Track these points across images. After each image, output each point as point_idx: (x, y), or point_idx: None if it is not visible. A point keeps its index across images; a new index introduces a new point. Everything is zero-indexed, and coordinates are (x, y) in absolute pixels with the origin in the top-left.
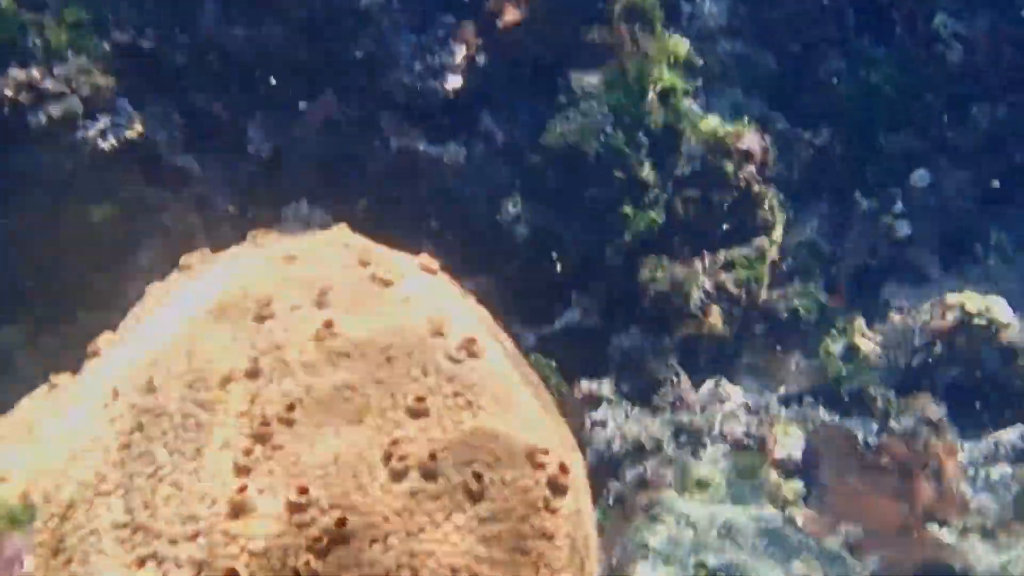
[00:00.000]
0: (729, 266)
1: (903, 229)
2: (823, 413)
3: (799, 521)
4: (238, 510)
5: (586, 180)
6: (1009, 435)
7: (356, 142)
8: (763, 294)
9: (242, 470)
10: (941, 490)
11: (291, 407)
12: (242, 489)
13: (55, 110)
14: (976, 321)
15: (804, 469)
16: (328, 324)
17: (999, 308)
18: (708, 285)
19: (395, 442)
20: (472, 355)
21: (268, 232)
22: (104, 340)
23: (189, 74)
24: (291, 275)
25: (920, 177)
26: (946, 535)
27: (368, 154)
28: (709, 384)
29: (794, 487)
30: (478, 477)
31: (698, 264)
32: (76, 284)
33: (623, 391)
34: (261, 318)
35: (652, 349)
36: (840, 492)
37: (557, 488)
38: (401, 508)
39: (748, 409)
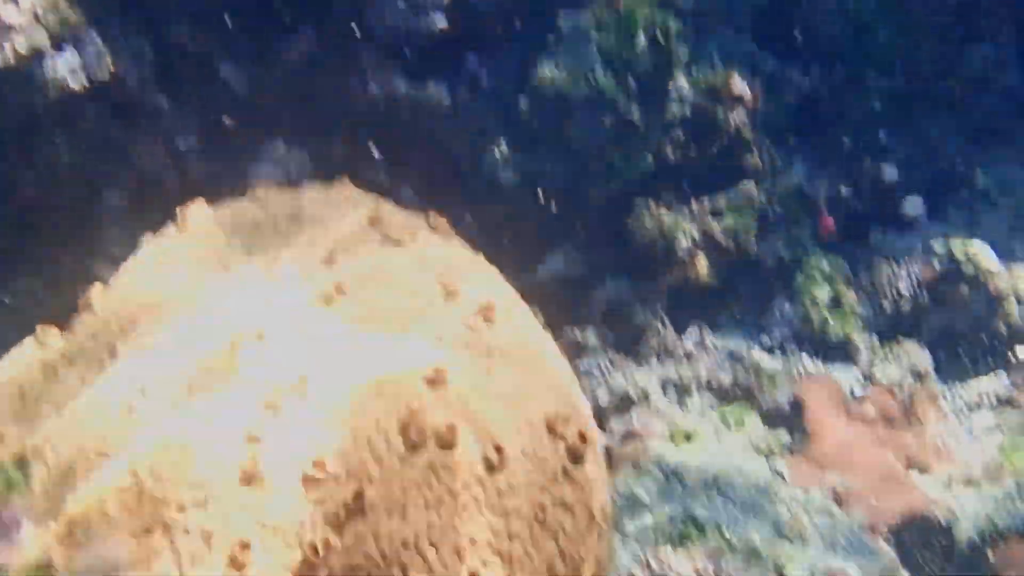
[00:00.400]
0: (717, 213)
1: (891, 174)
2: (808, 362)
3: (785, 472)
4: (250, 479)
5: (574, 124)
6: (992, 384)
7: (335, 81)
8: (751, 242)
9: (253, 439)
10: (925, 440)
11: (303, 376)
12: (254, 460)
13: (21, 45)
14: (964, 269)
15: (789, 418)
16: (339, 288)
17: (986, 255)
18: (696, 233)
19: (412, 412)
20: (489, 321)
21: (269, 187)
22: (96, 294)
23: (162, 8)
24: (297, 232)
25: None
26: (930, 485)
27: (348, 94)
28: (694, 333)
29: (779, 437)
30: (498, 448)
31: (686, 211)
32: (44, 226)
33: (608, 340)
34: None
35: (638, 297)
36: (824, 442)
37: (577, 457)
38: (420, 480)
39: (733, 357)
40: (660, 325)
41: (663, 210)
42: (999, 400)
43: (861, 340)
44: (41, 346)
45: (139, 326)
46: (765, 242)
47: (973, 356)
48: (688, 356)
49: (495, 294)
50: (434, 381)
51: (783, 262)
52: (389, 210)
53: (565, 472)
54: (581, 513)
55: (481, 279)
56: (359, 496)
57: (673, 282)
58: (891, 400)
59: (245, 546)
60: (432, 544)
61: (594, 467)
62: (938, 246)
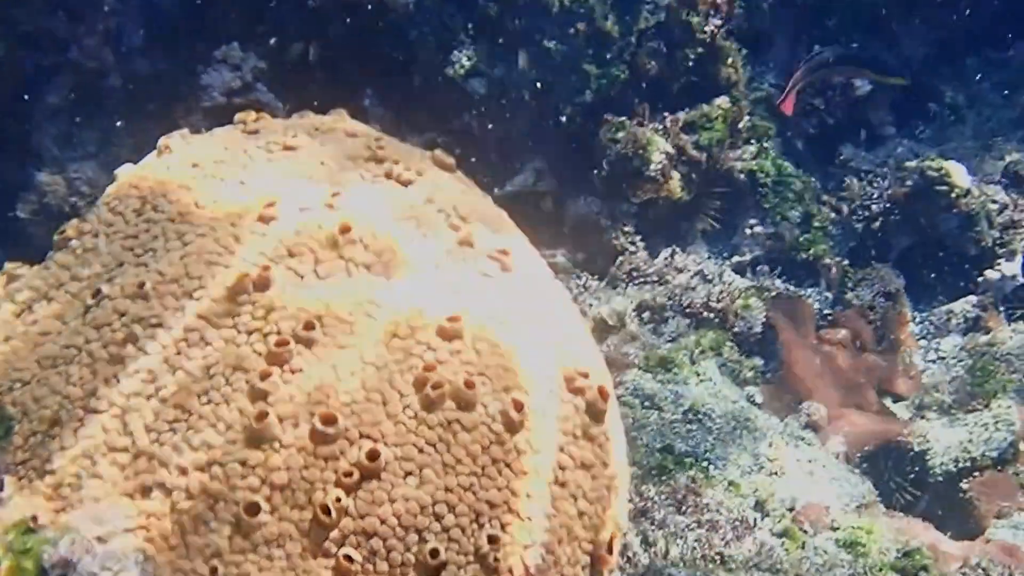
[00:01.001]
0: (690, 127)
1: (863, 86)
2: (779, 283)
3: (759, 399)
4: (257, 438)
5: (546, 33)
6: (962, 305)
7: None
8: (723, 156)
9: (259, 394)
10: (896, 365)
11: (310, 325)
12: (261, 416)
13: None
14: (935, 187)
15: (763, 343)
16: (344, 229)
17: (959, 173)
18: (670, 147)
19: (428, 367)
20: (505, 268)
21: (259, 116)
22: (73, 228)
23: None
24: (294, 170)
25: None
26: (903, 411)
27: None
28: (665, 253)
29: (754, 363)
30: (518, 406)
31: (660, 125)
32: None
33: (578, 260)
34: (265, 219)
35: (609, 215)
36: (797, 368)
37: (596, 414)
38: (436, 439)
39: (704, 278)
40: (631, 244)
41: (637, 124)
42: (967, 322)
43: (832, 261)
44: (9, 279)
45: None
46: (737, 157)
47: (943, 278)
48: (661, 278)
49: (508, 239)
50: (449, 333)
51: (754, 178)
52: (393, 145)
53: (585, 430)
54: (600, 473)
55: (493, 223)
56: (374, 456)
57: (645, 199)
58: (863, 325)
59: (253, 509)
60: (450, 508)
61: (612, 424)
62: (910, 163)
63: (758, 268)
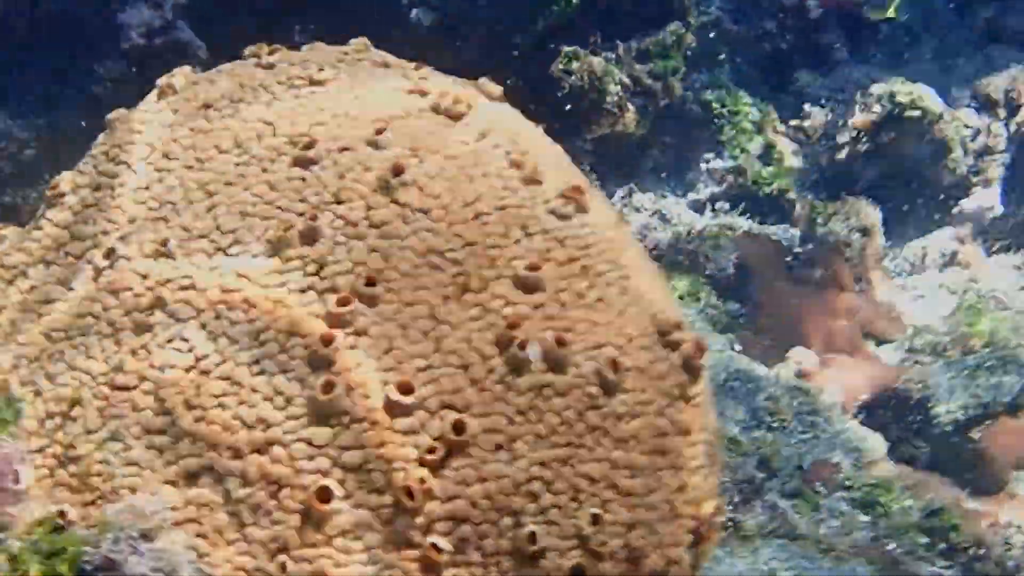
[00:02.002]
0: (643, 55)
1: (816, 7)
2: (742, 220)
3: (738, 347)
4: (324, 413)
5: None
6: (938, 240)
7: None
8: (678, 87)
9: (322, 362)
10: (876, 305)
11: (370, 280)
12: (328, 387)
13: None
14: (908, 113)
15: (737, 287)
16: (397, 170)
17: (930, 98)
18: (625, 79)
19: (513, 323)
20: (581, 208)
21: (273, 49)
22: (67, 182)
23: None
24: (328, 107)
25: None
26: (891, 355)
27: None
28: (622, 192)
29: (729, 309)
30: (615, 365)
31: (611, 54)
32: None
33: None
34: (304, 162)
35: (565, 151)
36: (776, 312)
37: (692, 371)
38: (527, 407)
39: (663, 218)
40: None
41: (591, 53)
42: (943, 258)
43: (798, 196)
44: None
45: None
46: (690, 88)
47: (915, 210)
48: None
49: (574, 175)
50: (529, 284)
51: (709, 109)
52: (434, 75)
53: (682, 391)
54: (698, 439)
55: (555, 156)
56: (460, 428)
57: (600, 134)
58: (839, 261)
59: (325, 494)
60: (547, 486)
61: (707, 382)
62: (876, 88)
63: (717, 205)
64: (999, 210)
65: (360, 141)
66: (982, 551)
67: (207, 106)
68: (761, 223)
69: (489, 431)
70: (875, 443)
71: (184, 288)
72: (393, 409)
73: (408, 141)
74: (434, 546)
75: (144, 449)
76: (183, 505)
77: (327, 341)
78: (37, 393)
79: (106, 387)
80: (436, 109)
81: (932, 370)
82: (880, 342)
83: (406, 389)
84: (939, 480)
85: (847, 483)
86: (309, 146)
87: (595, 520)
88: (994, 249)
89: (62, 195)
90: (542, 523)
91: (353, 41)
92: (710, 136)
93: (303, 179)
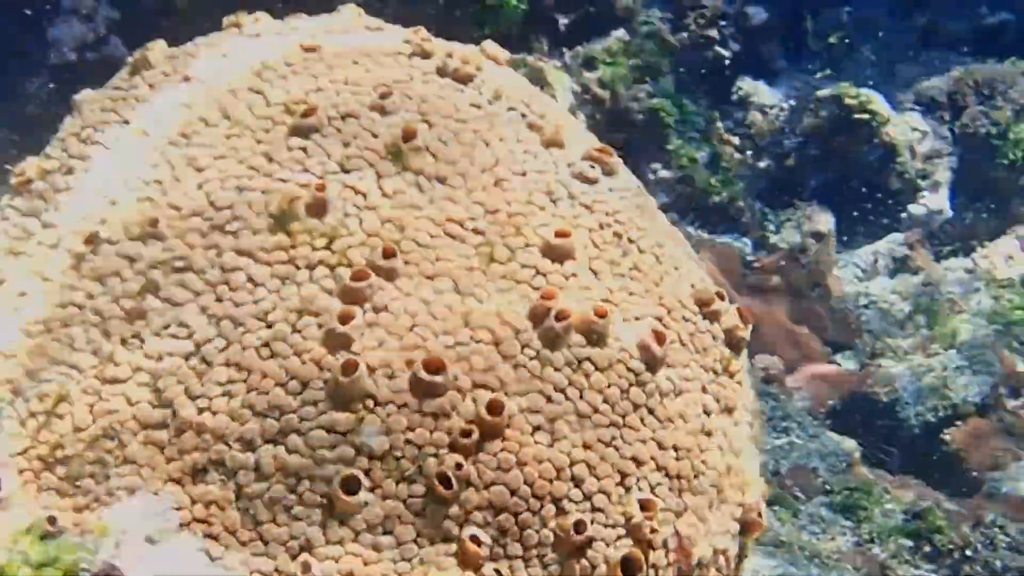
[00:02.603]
0: (590, 63)
1: (758, 15)
2: (693, 230)
3: None
4: (345, 396)
5: None
6: (888, 244)
7: None
8: (625, 94)
9: (340, 341)
10: (832, 311)
11: (389, 252)
12: (350, 367)
13: None
14: (856, 116)
15: None
16: (408, 134)
17: (878, 101)
18: (575, 85)
19: (547, 295)
20: (608, 171)
21: (259, 18)
22: (34, 168)
23: None
24: (325, 73)
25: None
26: (851, 361)
27: None
28: None
29: None
30: (658, 337)
31: (558, 61)
32: None
33: None
34: (303, 131)
35: None
36: None
37: (735, 345)
38: (565, 383)
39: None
40: None
41: (541, 61)
42: (896, 263)
43: (747, 204)
44: None
45: None
46: (634, 96)
47: (865, 215)
48: None
49: (594, 138)
50: (559, 252)
51: (656, 118)
52: (434, 39)
53: (725, 365)
54: (741, 418)
55: (570, 121)
56: (497, 408)
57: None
58: (795, 268)
59: (351, 486)
60: (591, 469)
61: (745, 358)
62: (823, 93)
63: (667, 216)
64: (948, 213)
65: (364, 107)
66: (968, 553)
67: (187, 79)
68: (711, 233)
69: (527, 411)
70: (849, 447)
71: (179, 270)
72: (422, 390)
73: (416, 105)
74: (473, 538)
75: (142, 445)
76: (190, 504)
77: (345, 319)
78: (16, 391)
79: (96, 380)
80: (442, 71)
81: (898, 374)
82: (838, 348)
83: (435, 368)
84: (918, 483)
85: (827, 488)
86: (308, 113)
87: (644, 506)
88: (944, 252)
89: (28, 182)
90: (588, 510)
91: (343, 7)
92: (657, 145)
93: (303, 149)
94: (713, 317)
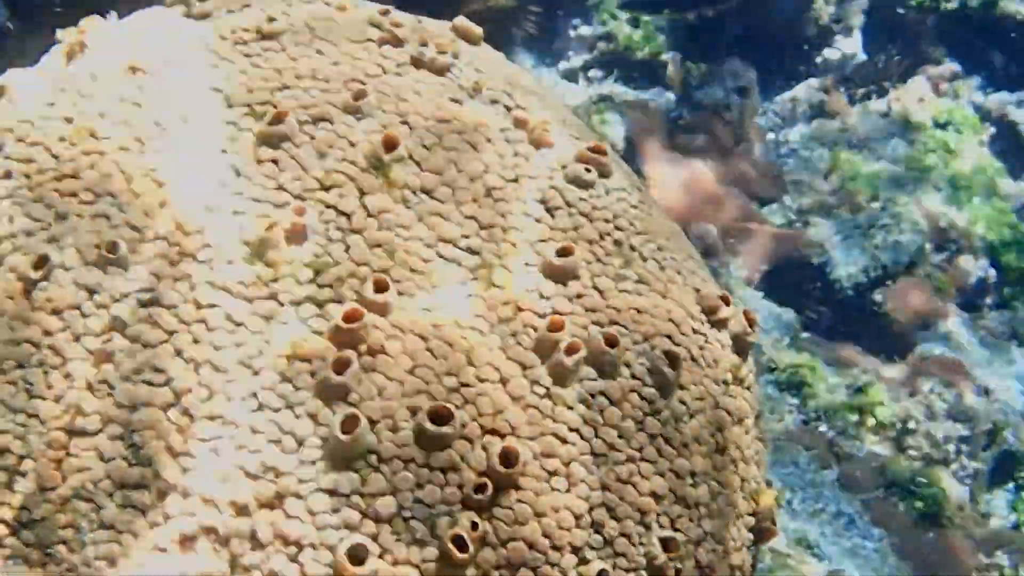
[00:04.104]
0: None
1: None
2: (619, 87)
3: None
4: (346, 455)
5: None
6: (804, 90)
7: None
8: None
9: (336, 392)
10: (758, 166)
11: (382, 285)
12: (351, 423)
13: None
14: None
15: (629, 161)
16: (389, 143)
17: None
18: None
19: (555, 325)
20: (604, 173)
21: None
22: None
23: None
24: (288, 67)
25: None
26: (778, 216)
27: None
28: None
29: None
30: (673, 360)
31: None
32: None
33: None
34: (272, 140)
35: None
36: (668, 186)
37: (743, 350)
38: (579, 422)
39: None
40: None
41: None
42: (813, 109)
43: (670, 58)
44: None
45: None
46: None
47: (782, 63)
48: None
49: (582, 128)
50: (562, 272)
51: None
52: (407, 19)
53: (735, 373)
54: (751, 426)
55: (557, 109)
56: (508, 458)
57: (474, 9)
58: (719, 124)
59: (358, 556)
60: (610, 512)
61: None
62: None
63: (590, 73)
64: (861, 56)
65: (337, 110)
66: (910, 425)
67: (134, 69)
68: (636, 89)
69: (541, 456)
70: (789, 319)
71: (146, 304)
72: (428, 442)
73: (393, 105)
74: None
75: (119, 509)
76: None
77: (341, 367)
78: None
79: (61, 433)
80: (418, 62)
81: (826, 232)
82: (765, 202)
83: (442, 416)
84: (856, 349)
85: (771, 366)
86: (278, 118)
87: (666, 545)
88: (858, 96)
89: None
90: (610, 556)
91: None
92: (576, 1)
93: (275, 161)
94: (720, 325)
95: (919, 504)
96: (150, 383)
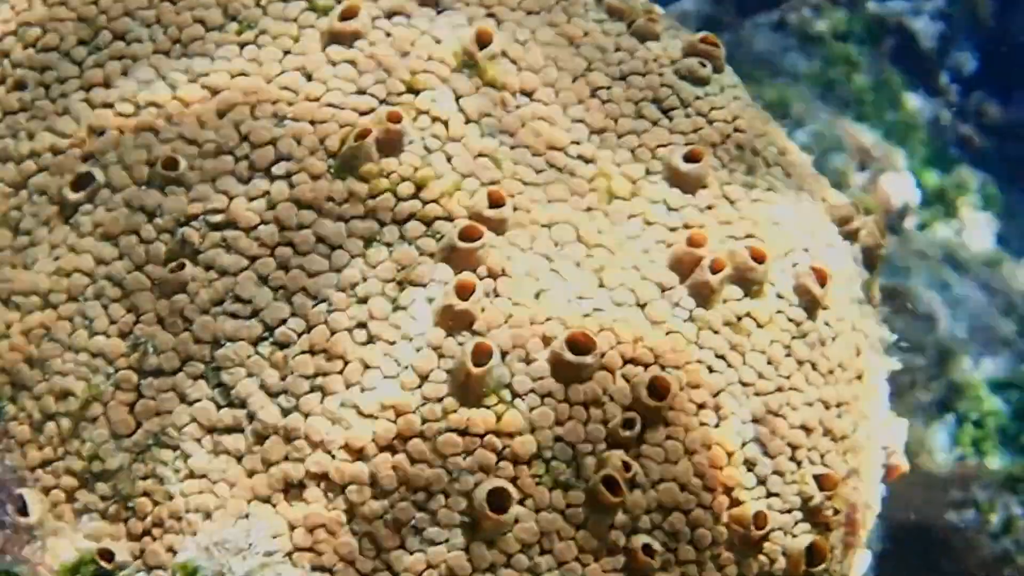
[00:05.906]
0: None
1: None
2: None
3: None
4: (475, 388)
5: None
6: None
7: None
8: None
9: (460, 319)
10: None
11: (496, 198)
12: (481, 352)
13: None
14: None
15: None
16: (482, 39)
17: None
18: None
19: (695, 240)
20: (717, 67)
21: None
22: None
23: None
24: None
25: None
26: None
27: None
28: None
29: None
30: (821, 276)
31: None
32: None
33: None
34: (344, 37)
35: None
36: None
37: (872, 264)
38: (725, 348)
39: None
40: None
41: None
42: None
43: None
44: None
45: None
46: None
47: None
48: None
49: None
50: (690, 181)
51: None
52: None
53: (866, 289)
54: (877, 348)
55: None
56: (659, 390)
57: None
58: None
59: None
60: (762, 447)
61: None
62: None
63: None
64: None
65: (413, 3)
66: None
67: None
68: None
69: (688, 387)
70: None
71: (217, 227)
72: (567, 374)
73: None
74: (645, 548)
75: (210, 455)
76: (289, 530)
77: (464, 291)
78: (20, 386)
79: (131, 372)
80: None
81: None
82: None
83: (581, 344)
84: None
85: None
86: (348, 13)
87: (820, 483)
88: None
89: None
90: (763, 496)
91: None
92: None
93: (352, 62)
94: (852, 236)
95: None
96: (234, 315)
